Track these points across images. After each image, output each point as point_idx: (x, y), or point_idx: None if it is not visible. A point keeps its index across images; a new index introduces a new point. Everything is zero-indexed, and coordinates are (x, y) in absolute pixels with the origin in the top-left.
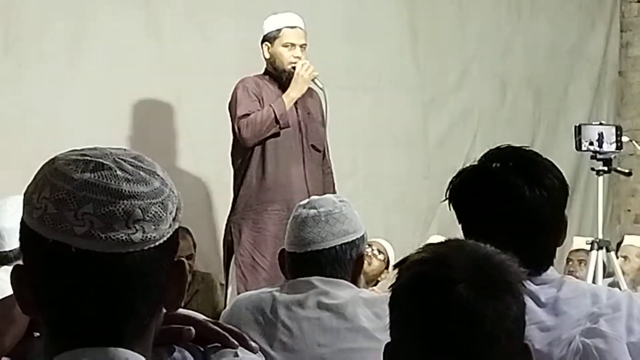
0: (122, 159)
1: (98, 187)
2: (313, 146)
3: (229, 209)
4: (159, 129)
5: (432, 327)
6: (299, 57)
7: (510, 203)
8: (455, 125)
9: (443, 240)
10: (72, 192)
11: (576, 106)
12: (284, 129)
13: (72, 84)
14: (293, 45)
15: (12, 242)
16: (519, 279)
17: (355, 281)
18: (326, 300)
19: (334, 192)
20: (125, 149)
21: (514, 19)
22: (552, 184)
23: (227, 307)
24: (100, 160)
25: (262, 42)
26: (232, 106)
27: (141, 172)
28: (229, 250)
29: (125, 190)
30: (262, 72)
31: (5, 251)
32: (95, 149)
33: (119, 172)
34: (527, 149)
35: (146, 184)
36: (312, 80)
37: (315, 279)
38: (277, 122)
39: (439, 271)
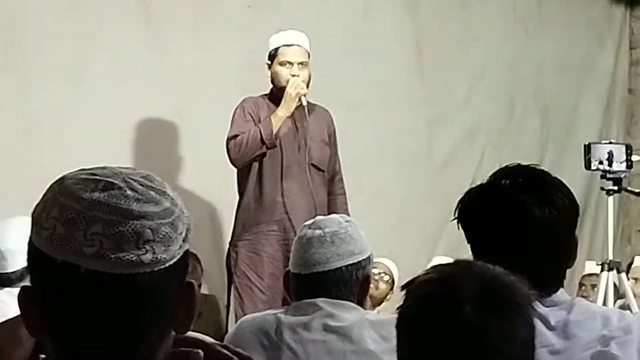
0: (132, 179)
1: (108, 206)
2: (314, 165)
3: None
4: (160, 145)
5: (440, 348)
6: (297, 75)
7: (519, 222)
8: (461, 144)
9: (452, 261)
10: (81, 212)
11: (585, 124)
12: (271, 149)
13: (74, 100)
14: (290, 63)
15: (15, 264)
16: (528, 301)
17: (361, 303)
18: (332, 323)
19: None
20: (134, 169)
21: (522, 34)
22: (562, 203)
23: (231, 330)
24: (110, 180)
25: (266, 61)
26: (230, 126)
27: (151, 192)
28: (230, 272)
29: (135, 210)
30: (268, 90)
31: (8, 272)
32: (104, 168)
33: (129, 192)
34: (537, 167)
35: (156, 204)
36: (299, 98)
37: (320, 301)
38: (262, 142)
39: (447, 292)
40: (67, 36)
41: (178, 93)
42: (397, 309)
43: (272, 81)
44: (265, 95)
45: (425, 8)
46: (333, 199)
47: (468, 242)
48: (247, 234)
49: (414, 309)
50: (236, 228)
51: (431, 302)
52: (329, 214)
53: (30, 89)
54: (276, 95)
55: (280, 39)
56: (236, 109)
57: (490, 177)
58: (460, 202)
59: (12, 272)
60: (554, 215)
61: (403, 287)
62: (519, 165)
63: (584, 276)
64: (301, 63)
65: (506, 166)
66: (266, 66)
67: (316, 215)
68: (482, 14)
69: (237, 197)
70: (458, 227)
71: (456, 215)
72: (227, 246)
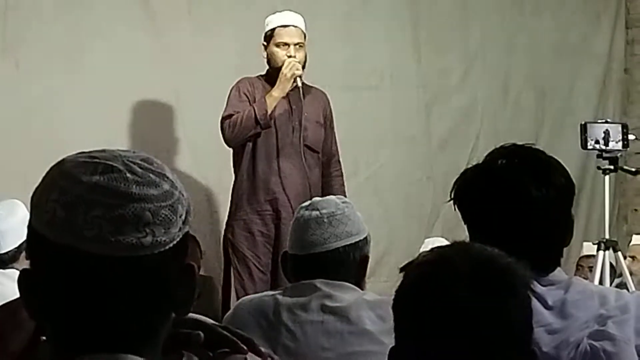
0: (131, 162)
1: (107, 190)
2: (308, 146)
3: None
4: (158, 128)
5: (435, 328)
6: (293, 57)
7: (516, 201)
8: (458, 125)
9: (449, 243)
10: (81, 195)
11: (581, 104)
12: (265, 129)
13: (70, 84)
14: (286, 44)
15: (7, 244)
16: (525, 284)
17: (358, 283)
18: (330, 304)
19: (344, 195)
20: (134, 151)
21: (517, 15)
22: (559, 182)
23: (230, 311)
24: (110, 163)
25: (262, 42)
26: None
27: (151, 175)
28: (227, 253)
29: (135, 193)
30: (264, 72)
31: (1, 254)
32: (104, 151)
33: (128, 175)
34: (533, 146)
35: (156, 187)
36: (294, 79)
37: (318, 282)
38: (257, 122)
39: (442, 272)
40: (64, 21)
41: (175, 76)
42: (395, 290)
43: (268, 62)
44: (262, 75)
45: None
46: (330, 180)
47: (464, 222)
48: (240, 213)
49: (410, 289)
50: (231, 208)
51: (426, 282)
52: (325, 195)
53: (27, 74)
54: (272, 75)
55: (277, 20)
56: (232, 89)
57: (486, 157)
58: (456, 182)
59: (4, 253)
60: (550, 195)
61: (401, 269)
62: (514, 145)
63: (581, 258)
64: (297, 44)
65: (502, 146)
66: (262, 47)
67: (311, 196)
68: None
69: (233, 178)
70: (454, 208)
71: (452, 196)
72: (223, 227)
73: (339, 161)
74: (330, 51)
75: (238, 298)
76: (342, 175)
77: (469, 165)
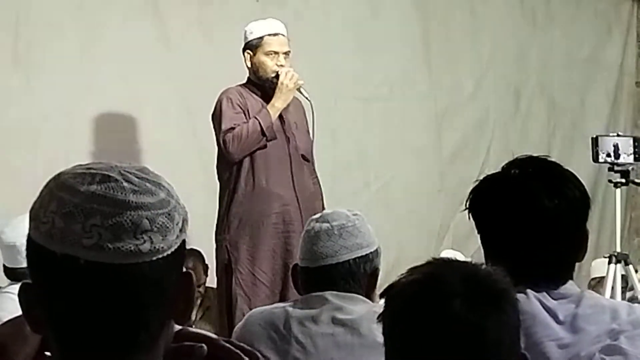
0: (127, 171)
1: (105, 198)
2: (303, 156)
3: (215, 225)
4: (168, 139)
5: (434, 347)
6: (282, 66)
7: (528, 211)
8: (469, 137)
9: (427, 261)
10: (79, 205)
11: (592, 117)
12: (270, 141)
13: (81, 96)
14: (276, 53)
15: (25, 260)
16: (510, 286)
17: (369, 296)
18: (340, 316)
19: (323, 203)
20: (129, 162)
21: (529, 27)
22: (572, 195)
23: (240, 323)
24: (106, 173)
25: (244, 50)
26: (216, 119)
27: (147, 184)
28: (226, 271)
29: (132, 201)
30: (244, 80)
31: (23, 268)
32: (100, 162)
33: (125, 184)
34: (548, 158)
35: (152, 195)
36: (298, 90)
37: (329, 294)
38: (263, 134)
39: (436, 290)
40: (75, 34)
41: (185, 87)
42: (379, 316)
43: (255, 71)
44: (244, 85)
45: (433, 1)
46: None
47: (478, 232)
48: (246, 228)
49: (403, 312)
50: (231, 223)
51: (420, 303)
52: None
53: (39, 83)
54: (258, 85)
55: (264, 28)
56: (220, 100)
57: (502, 167)
58: (471, 192)
59: (20, 268)
60: (563, 206)
61: (382, 294)
62: (530, 156)
63: (595, 279)
64: (285, 53)
65: (517, 157)
66: (247, 55)
67: (316, 207)
68: (490, 7)
69: (219, 193)
70: (468, 217)
71: (467, 205)
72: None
73: (315, 169)
74: (341, 62)
75: (243, 314)
76: (319, 184)
77: (480, 178)
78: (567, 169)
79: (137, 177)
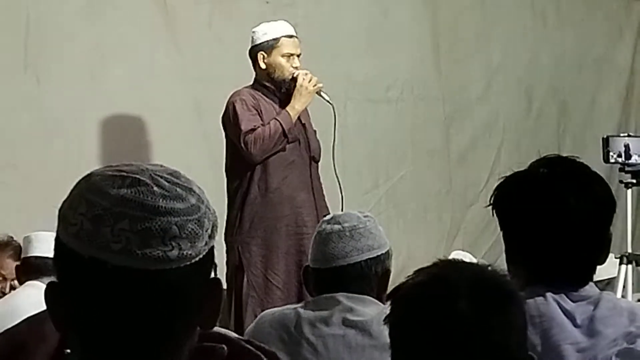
0: (158, 175)
1: (134, 203)
2: (313, 158)
3: (225, 228)
4: (179, 142)
5: (441, 348)
6: (297, 68)
7: (554, 210)
8: (479, 138)
9: (432, 263)
10: (108, 208)
11: (603, 117)
12: (291, 143)
13: (91, 98)
14: (291, 55)
15: None
16: (517, 289)
17: (380, 297)
18: (351, 317)
19: (326, 204)
20: (161, 165)
21: (540, 28)
22: (599, 196)
23: (251, 325)
24: (137, 177)
25: (256, 51)
26: (231, 121)
27: (178, 189)
28: (237, 272)
29: (161, 207)
30: (251, 82)
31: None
32: (131, 164)
33: (155, 189)
34: (577, 159)
35: (182, 201)
36: (318, 93)
37: (340, 295)
38: (285, 136)
39: (440, 291)
40: (85, 36)
41: (196, 90)
42: (386, 319)
43: (270, 73)
44: (252, 86)
45: (443, 2)
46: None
47: (501, 229)
48: (258, 230)
49: (408, 313)
50: (243, 225)
51: (426, 304)
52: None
53: (49, 90)
54: (269, 87)
55: (280, 29)
56: (233, 102)
57: (529, 166)
58: (496, 188)
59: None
60: (590, 208)
61: (388, 296)
62: (558, 156)
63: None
64: (299, 55)
65: (545, 156)
66: (260, 57)
67: (326, 209)
68: (500, 8)
69: (228, 196)
70: (492, 214)
71: (491, 201)
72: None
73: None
74: (351, 64)
75: (255, 316)
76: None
77: (490, 179)
78: (595, 171)
79: (168, 182)
